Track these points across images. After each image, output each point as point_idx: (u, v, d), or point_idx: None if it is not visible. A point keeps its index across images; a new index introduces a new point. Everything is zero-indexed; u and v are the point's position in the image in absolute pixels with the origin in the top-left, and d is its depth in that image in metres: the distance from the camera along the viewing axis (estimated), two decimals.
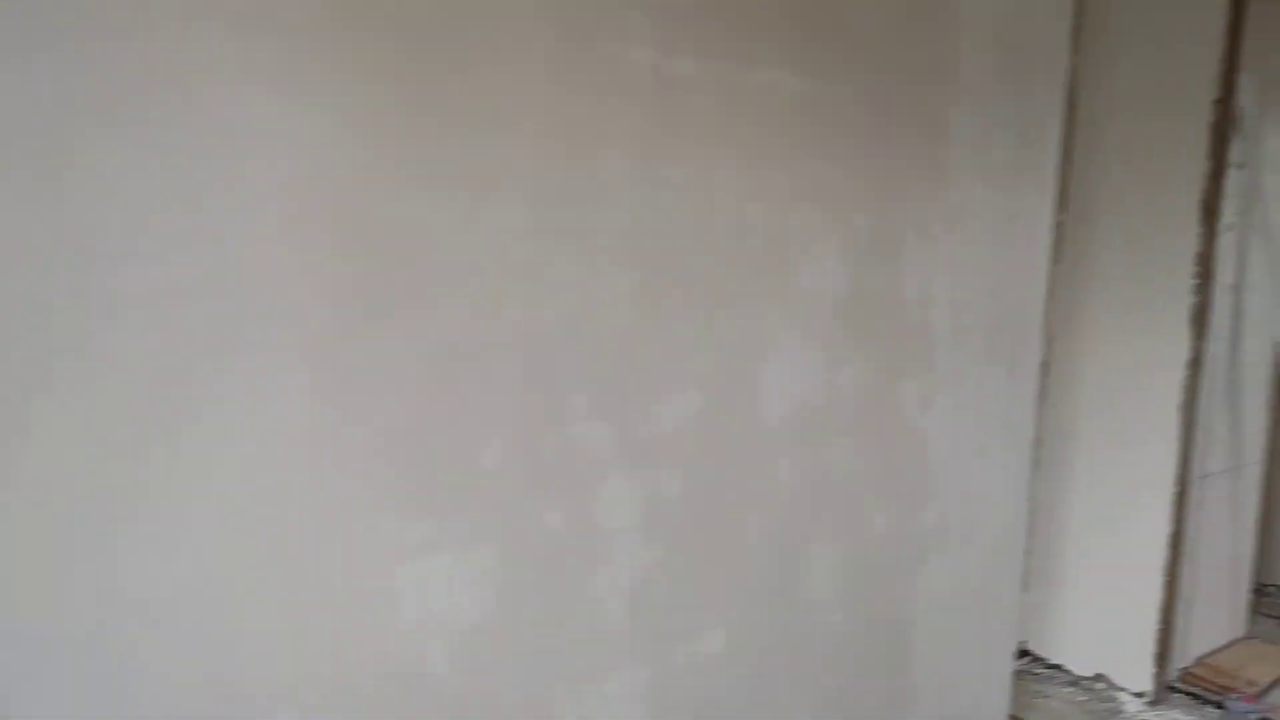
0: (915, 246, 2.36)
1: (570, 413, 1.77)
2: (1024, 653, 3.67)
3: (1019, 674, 3.55)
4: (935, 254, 2.41)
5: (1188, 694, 3.47)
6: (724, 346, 2.00)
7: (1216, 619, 3.74)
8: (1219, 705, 3.39)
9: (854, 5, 2.14)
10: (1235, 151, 3.35)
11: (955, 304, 2.50)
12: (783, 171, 2.07)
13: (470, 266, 1.60)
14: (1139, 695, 3.42)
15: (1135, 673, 3.42)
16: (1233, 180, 3.37)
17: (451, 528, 1.64)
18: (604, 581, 1.86)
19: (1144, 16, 3.31)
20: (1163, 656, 3.42)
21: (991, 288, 2.59)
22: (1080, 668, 3.55)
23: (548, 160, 1.68)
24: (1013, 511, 2.78)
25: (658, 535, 1.94)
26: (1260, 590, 4.43)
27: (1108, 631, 3.50)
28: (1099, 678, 3.50)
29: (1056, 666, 3.60)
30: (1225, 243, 3.40)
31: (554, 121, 1.68)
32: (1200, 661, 3.63)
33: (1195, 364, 3.32)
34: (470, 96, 1.58)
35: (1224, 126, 3.24)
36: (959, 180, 2.43)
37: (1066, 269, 3.50)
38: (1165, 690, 3.45)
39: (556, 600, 1.80)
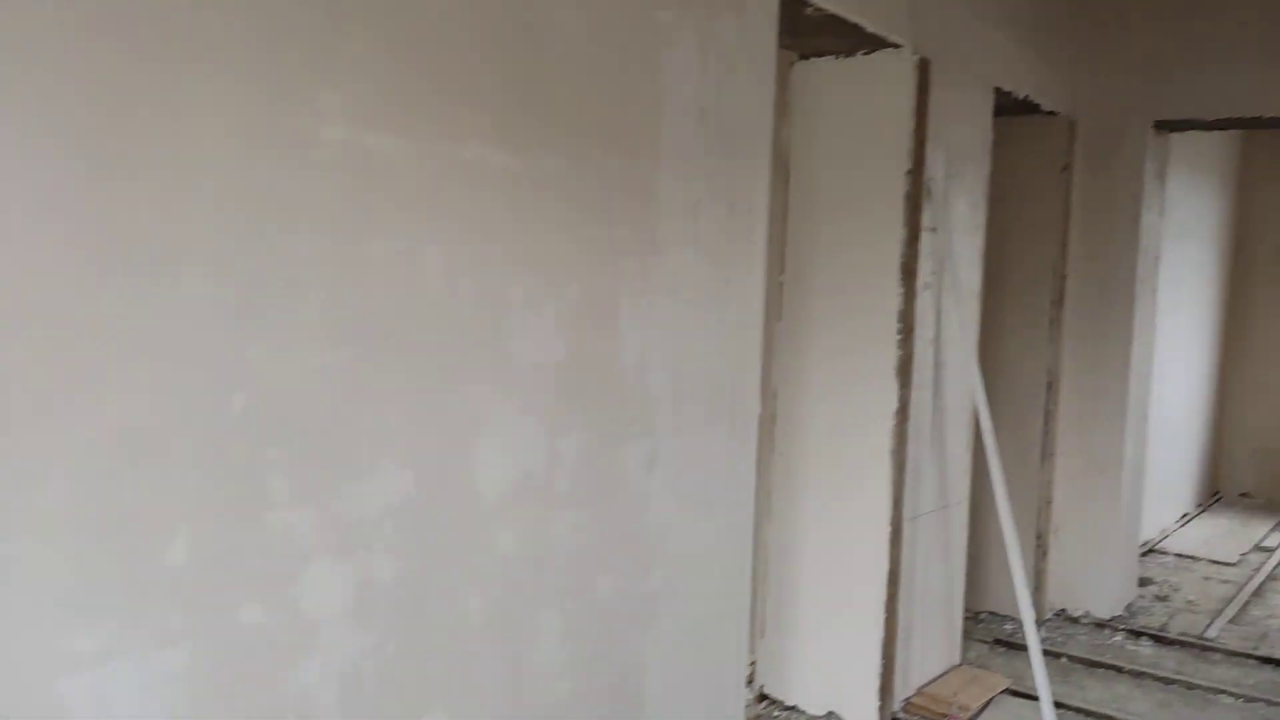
0: (631, 313, 2.43)
1: (268, 498, 1.70)
2: (763, 697, 3.79)
3: (758, 718, 3.67)
4: (651, 319, 2.49)
5: None
6: (436, 422, 1.98)
7: (934, 649, 4.00)
8: None
9: (561, 80, 2.20)
10: (928, 217, 3.65)
11: (674, 367, 2.58)
12: (496, 244, 2.08)
13: (146, 349, 1.52)
14: None
15: (862, 707, 3.60)
16: (927, 243, 3.67)
17: (133, 631, 1.53)
18: (312, 674, 1.79)
19: (846, 94, 3.56)
20: (885, 689, 3.62)
21: (709, 349, 2.70)
22: (814, 707, 3.70)
23: (232, 236, 1.62)
24: (737, 563, 2.88)
25: (371, 620, 1.88)
26: (972, 617, 4.78)
27: (836, 669, 3.67)
28: (830, 715, 3.66)
29: (793, 708, 3.74)
30: (924, 300, 3.69)
31: (241, 198, 1.63)
32: (920, 691, 3.88)
33: (902, 412, 3.57)
34: (144, 165, 1.50)
35: (917, 195, 3.53)
36: (671, 248, 2.53)
37: (788, 325, 3.69)
38: None
39: (260, 698, 1.72)
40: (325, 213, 1.75)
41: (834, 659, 3.67)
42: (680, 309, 2.58)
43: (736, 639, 2.91)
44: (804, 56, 3.59)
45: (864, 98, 3.54)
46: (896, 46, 3.41)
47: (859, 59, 3.51)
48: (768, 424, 3.71)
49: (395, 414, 1.90)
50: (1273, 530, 6.84)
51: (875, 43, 3.38)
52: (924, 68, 3.49)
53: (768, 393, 3.70)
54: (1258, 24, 4.41)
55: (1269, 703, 4.02)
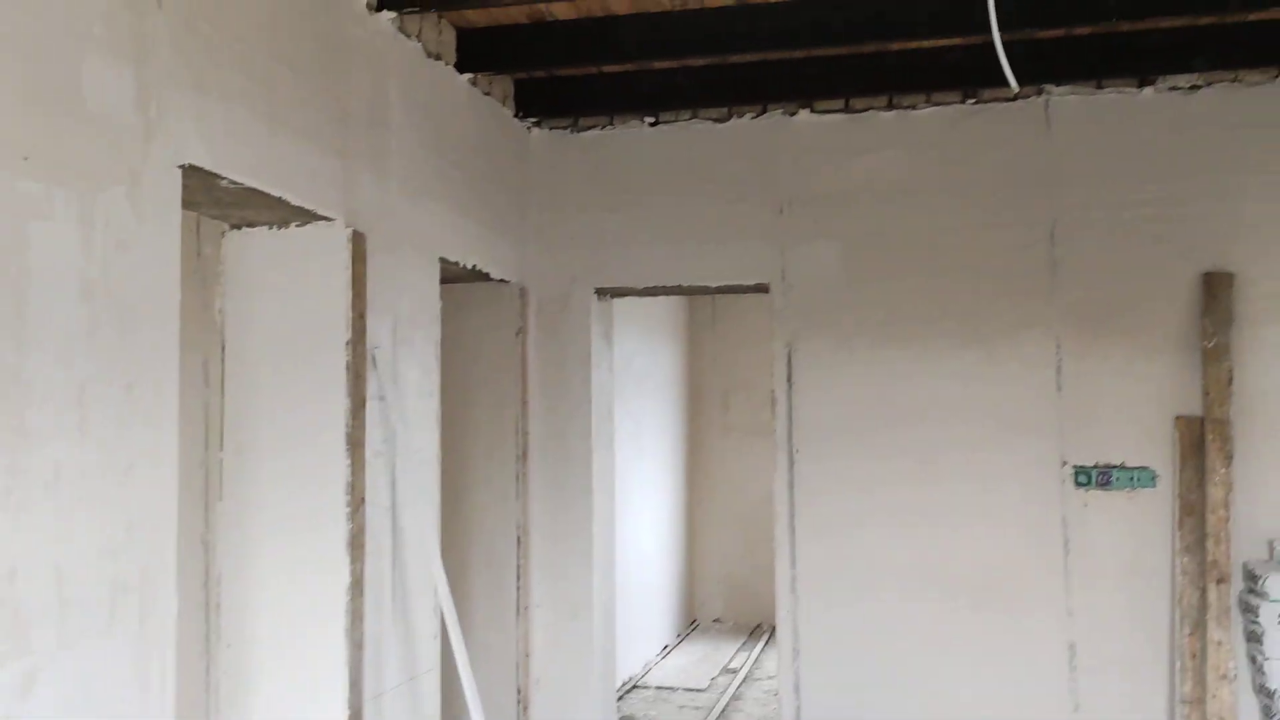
0: None
1: None
2: None
3: None
4: (22, 519, 2.19)
5: None
6: None
7: None
8: None
9: None
10: (374, 386, 3.66)
11: (59, 571, 2.28)
12: None
13: None
14: None
15: None
16: (375, 411, 3.67)
17: None
18: None
19: (283, 264, 3.50)
20: None
21: (107, 547, 2.43)
22: None
23: None
24: None
25: None
26: None
27: None
28: None
29: None
30: (375, 469, 3.65)
31: None
32: None
33: (356, 586, 3.47)
34: None
35: (359, 365, 3.53)
36: (48, 439, 2.27)
37: (231, 505, 3.47)
38: None
39: None
40: None
41: None
42: (64, 507, 2.31)
43: None
44: (235, 226, 3.49)
45: (301, 268, 3.51)
46: (329, 220, 3.43)
47: (293, 230, 3.48)
48: (213, 614, 3.44)
49: None
50: (738, 651, 7.54)
51: (306, 215, 3.37)
52: (359, 240, 3.53)
53: (212, 580, 3.45)
54: (668, 213, 5.04)
55: None
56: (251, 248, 3.51)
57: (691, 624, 8.45)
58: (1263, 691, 4.32)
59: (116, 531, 2.46)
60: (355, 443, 3.50)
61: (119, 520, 2.47)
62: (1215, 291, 4.47)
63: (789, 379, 4.92)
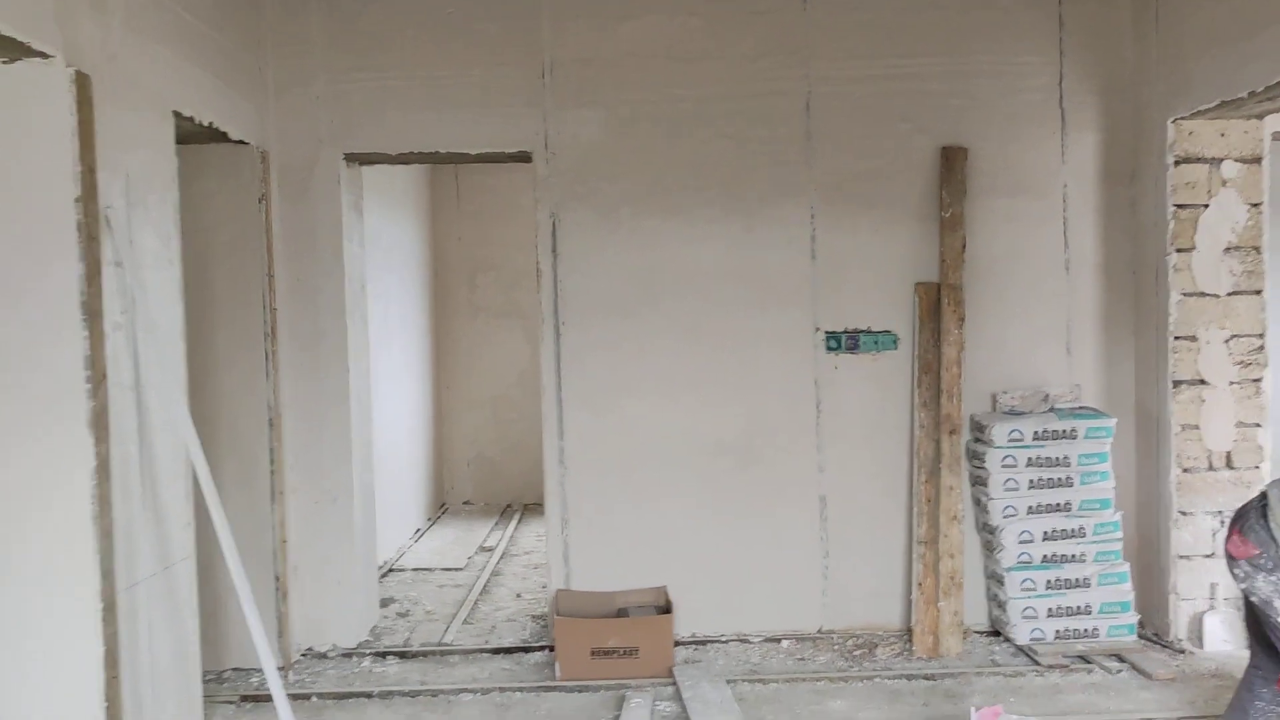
0: None
1: None
2: None
3: None
4: None
5: None
6: None
7: None
8: None
9: None
10: (109, 250, 3.27)
11: None
12: None
13: None
14: None
15: None
16: (113, 279, 3.29)
17: None
18: None
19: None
20: None
21: None
22: None
23: None
24: None
25: None
26: (216, 678, 4.47)
27: None
28: None
29: None
30: (116, 343, 3.29)
31: None
32: None
33: (103, 469, 3.14)
34: None
35: (92, 226, 3.13)
36: None
37: None
38: None
39: None
40: None
41: None
42: None
43: None
44: None
45: (17, 115, 3.05)
46: (46, 56, 2.98)
47: (2, 68, 3.01)
48: None
49: None
50: (492, 530, 7.55)
51: (17, 49, 2.91)
52: (84, 82, 3.10)
53: None
54: (424, 75, 4.76)
55: (502, 689, 4.34)
56: None
57: (441, 507, 8.37)
58: (985, 529, 4.79)
59: None
60: (92, 312, 3.13)
61: None
62: (951, 164, 4.76)
63: (554, 250, 4.84)
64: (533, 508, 8.16)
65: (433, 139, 4.85)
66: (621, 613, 4.71)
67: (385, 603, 5.61)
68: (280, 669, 4.60)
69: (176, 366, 3.70)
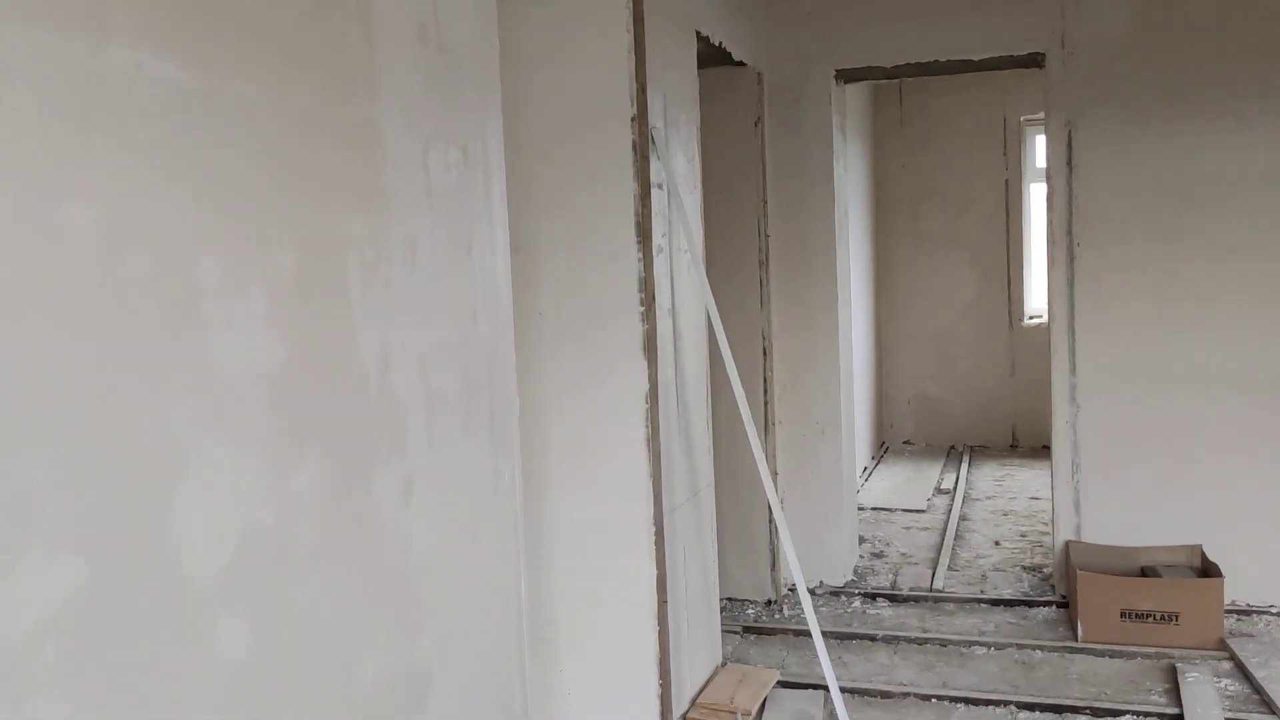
0: (364, 293, 1.77)
1: None
2: None
3: None
4: (390, 301, 1.84)
5: None
6: (112, 473, 1.25)
7: (700, 652, 3.61)
8: None
9: None
10: (655, 171, 3.23)
11: (422, 363, 1.95)
12: (174, 198, 1.37)
13: None
14: None
15: None
16: (657, 201, 3.25)
17: None
18: None
19: (553, 32, 3.06)
20: (665, 711, 3.17)
21: (459, 337, 2.09)
22: None
23: None
24: (511, 599, 2.29)
25: None
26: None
27: (608, 697, 3.18)
28: None
29: None
30: (659, 266, 3.26)
31: None
32: (695, 703, 3.47)
33: (653, 394, 3.13)
34: None
35: (644, 145, 3.09)
36: (403, 205, 1.89)
37: (520, 308, 3.12)
38: None
39: None
40: None
41: (605, 687, 3.17)
42: (422, 286, 1.95)
43: (518, 683, 2.32)
44: None
45: (575, 36, 3.06)
46: None
47: None
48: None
49: (44, 468, 1.15)
50: (943, 473, 7.17)
51: None
52: (637, 1, 3.05)
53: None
54: None
55: (1019, 645, 4.00)
56: (518, 14, 3.04)
57: (882, 446, 8.10)
58: None
59: (466, 319, 2.11)
60: (645, 233, 3.10)
61: (467, 305, 2.12)
62: None
63: (1069, 162, 4.33)
64: (980, 450, 7.69)
65: (930, 47, 4.48)
66: (1146, 571, 4.19)
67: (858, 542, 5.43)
68: (771, 602, 4.56)
69: (703, 291, 3.64)
